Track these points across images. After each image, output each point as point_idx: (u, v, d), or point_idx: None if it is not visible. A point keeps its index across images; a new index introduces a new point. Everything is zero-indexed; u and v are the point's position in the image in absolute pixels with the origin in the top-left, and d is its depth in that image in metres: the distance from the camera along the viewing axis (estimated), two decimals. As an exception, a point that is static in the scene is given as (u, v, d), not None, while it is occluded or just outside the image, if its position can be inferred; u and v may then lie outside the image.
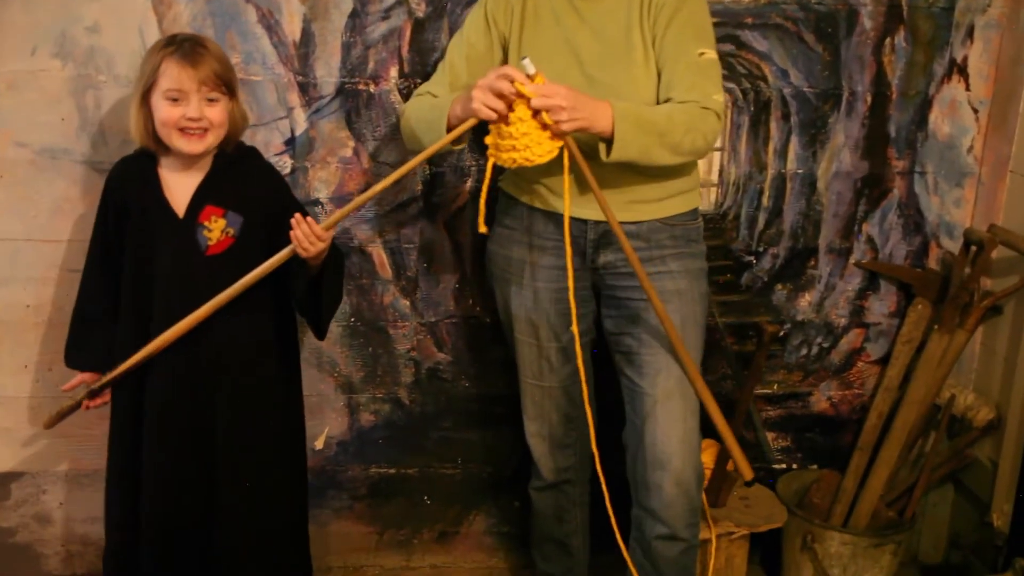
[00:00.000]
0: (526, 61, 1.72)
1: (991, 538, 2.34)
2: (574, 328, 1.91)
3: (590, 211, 1.91)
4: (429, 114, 1.92)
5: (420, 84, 2.11)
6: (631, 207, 1.93)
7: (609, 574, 2.21)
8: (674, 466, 1.91)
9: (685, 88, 1.84)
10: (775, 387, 2.53)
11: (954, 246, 2.44)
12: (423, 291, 2.40)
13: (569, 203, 1.85)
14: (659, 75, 1.89)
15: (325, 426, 2.46)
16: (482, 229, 1.88)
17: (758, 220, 2.42)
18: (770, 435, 2.56)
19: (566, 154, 1.79)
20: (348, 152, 2.29)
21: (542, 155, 1.77)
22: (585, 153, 1.81)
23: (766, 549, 2.52)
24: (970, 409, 2.41)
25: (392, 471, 2.51)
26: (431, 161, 2.29)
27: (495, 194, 2.08)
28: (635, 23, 1.89)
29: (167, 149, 1.91)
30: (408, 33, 2.23)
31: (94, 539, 2.43)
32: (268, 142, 2.25)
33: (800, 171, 2.40)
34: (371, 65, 2.24)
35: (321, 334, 2.10)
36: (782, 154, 2.38)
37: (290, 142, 2.27)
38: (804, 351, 2.51)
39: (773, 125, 2.37)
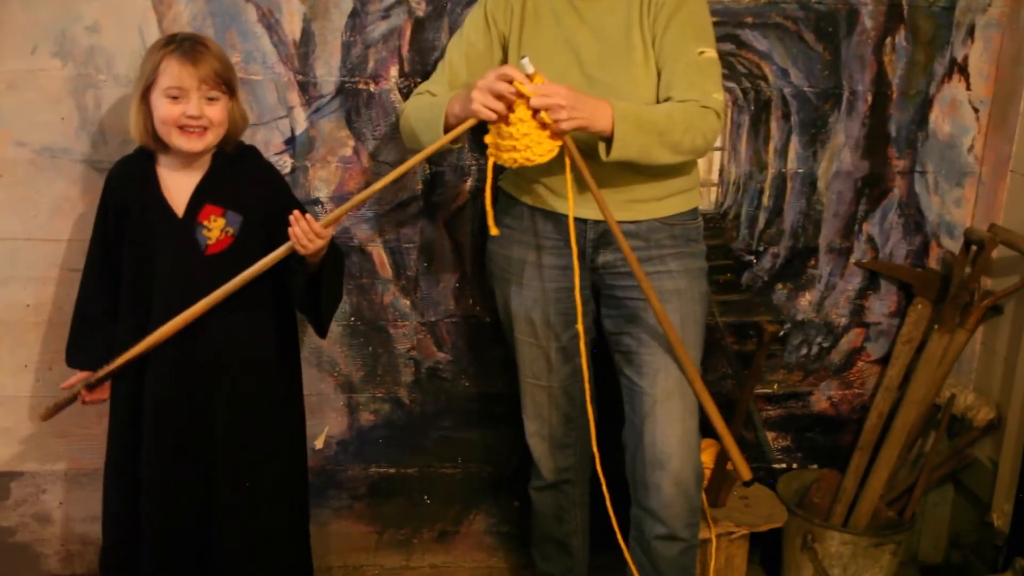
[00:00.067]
0: (525, 60, 1.72)
1: (991, 538, 2.34)
2: (579, 326, 1.91)
3: (589, 211, 1.91)
4: (428, 113, 1.92)
5: (420, 83, 2.11)
6: (630, 206, 1.93)
7: (609, 574, 2.21)
8: (673, 466, 1.91)
9: (685, 87, 1.84)
10: (775, 387, 2.53)
11: (954, 246, 2.44)
12: (423, 290, 2.39)
13: (572, 203, 1.84)
14: (659, 74, 1.89)
15: (325, 425, 2.45)
16: (493, 231, 1.88)
17: (758, 219, 2.42)
18: (770, 435, 2.56)
19: (567, 154, 1.79)
20: (348, 151, 2.29)
21: (542, 155, 1.77)
22: (584, 152, 1.81)
23: (766, 549, 2.51)
24: (970, 409, 2.41)
25: (392, 471, 2.51)
26: (431, 160, 2.29)
27: (495, 194, 2.08)
28: (635, 23, 1.89)
29: (166, 148, 1.91)
30: (408, 32, 2.23)
31: (93, 538, 2.42)
32: (268, 141, 2.25)
33: (800, 170, 2.39)
34: (371, 64, 2.24)
35: (323, 332, 2.10)
36: (782, 153, 2.38)
37: (290, 141, 2.27)
38: (804, 351, 2.51)
39: (773, 124, 2.36)
